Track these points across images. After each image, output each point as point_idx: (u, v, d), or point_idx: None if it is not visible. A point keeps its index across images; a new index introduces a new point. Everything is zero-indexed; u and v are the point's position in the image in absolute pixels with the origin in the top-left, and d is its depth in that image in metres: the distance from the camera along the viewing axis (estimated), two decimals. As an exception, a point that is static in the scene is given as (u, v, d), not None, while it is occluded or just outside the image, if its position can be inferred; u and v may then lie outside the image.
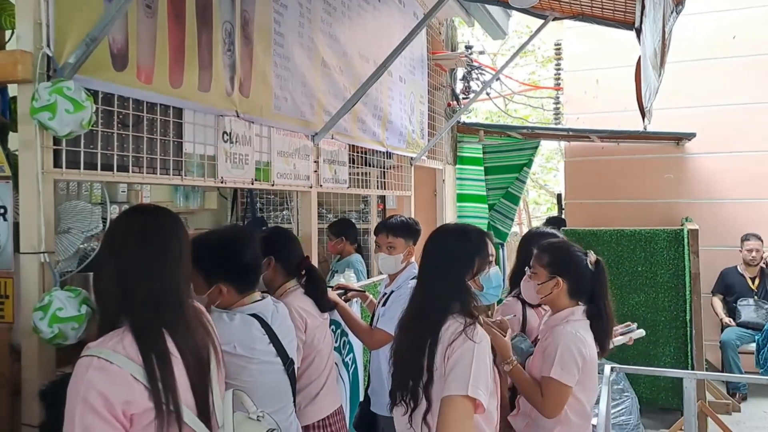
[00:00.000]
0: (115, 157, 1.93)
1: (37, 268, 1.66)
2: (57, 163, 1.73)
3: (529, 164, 5.83)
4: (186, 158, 2.24)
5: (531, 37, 4.47)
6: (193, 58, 2.24)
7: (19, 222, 1.68)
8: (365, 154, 3.71)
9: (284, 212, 5.91)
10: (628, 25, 4.00)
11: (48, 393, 1.63)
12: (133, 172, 2.00)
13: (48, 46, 1.69)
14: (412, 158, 4.47)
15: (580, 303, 2.10)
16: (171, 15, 2.13)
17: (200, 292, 1.77)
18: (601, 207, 5.97)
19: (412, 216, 4.23)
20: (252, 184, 2.60)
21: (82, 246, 2.10)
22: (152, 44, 2.06)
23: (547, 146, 10.77)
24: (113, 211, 2.31)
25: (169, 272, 1.33)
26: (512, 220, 5.98)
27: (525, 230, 12.15)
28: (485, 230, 1.88)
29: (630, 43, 4.14)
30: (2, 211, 1.70)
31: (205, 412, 1.30)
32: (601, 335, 2.08)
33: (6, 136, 1.72)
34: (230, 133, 2.46)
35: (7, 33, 1.85)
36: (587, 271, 2.08)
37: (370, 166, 3.82)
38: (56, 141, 1.71)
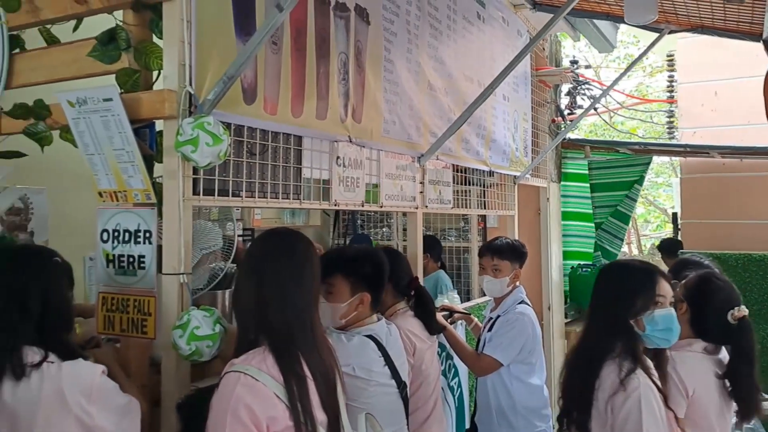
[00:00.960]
0: (244, 183, 2.08)
1: (177, 288, 1.82)
2: (195, 191, 1.89)
3: (640, 181, 5.58)
4: (304, 183, 2.37)
5: (644, 53, 4.32)
6: (312, 88, 2.37)
7: (162, 245, 1.84)
8: (465, 172, 3.73)
9: (384, 229, 6.04)
10: (754, 36, 3.78)
11: (184, 406, 1.78)
12: (259, 197, 2.14)
13: (190, 84, 1.85)
14: (515, 177, 4.44)
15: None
16: (294, 50, 2.27)
17: (338, 300, 1.87)
18: (723, 228, 5.55)
19: (516, 235, 4.19)
20: (362, 206, 2.70)
21: (211, 265, 2.27)
22: (277, 78, 2.20)
23: (657, 159, 10.28)
24: (230, 228, 2.47)
25: (303, 294, 1.43)
26: (622, 240, 5.74)
27: (634, 250, 11.54)
28: (659, 270, 1.80)
29: (753, 53, 3.91)
30: (148, 235, 1.87)
31: (334, 428, 1.37)
32: (742, 406, 1.96)
33: (152, 166, 1.89)
34: (343, 158, 2.57)
35: (153, 73, 2.04)
36: (721, 317, 1.98)
37: (470, 184, 3.83)
38: (195, 170, 1.87)
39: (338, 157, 2.54)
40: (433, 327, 2.34)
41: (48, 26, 2.15)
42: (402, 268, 2.36)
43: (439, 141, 3.14)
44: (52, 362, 1.44)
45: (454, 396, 3.01)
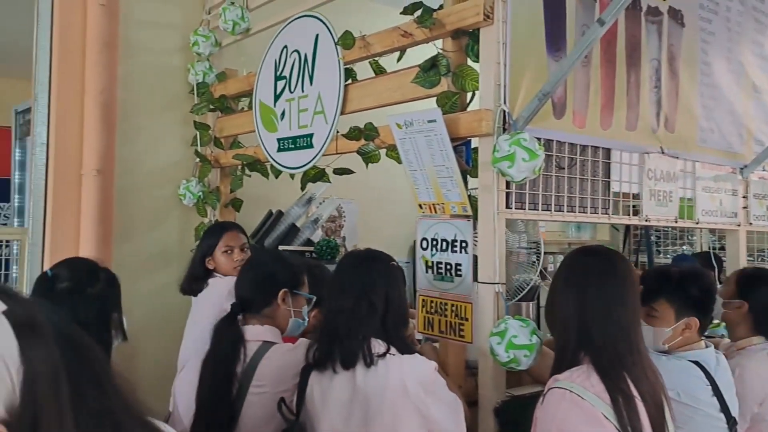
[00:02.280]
0: (553, 197, 2.09)
1: (492, 297, 1.90)
2: (507, 204, 1.95)
3: None
4: (612, 197, 2.28)
5: None
6: (622, 99, 2.28)
7: (478, 255, 1.94)
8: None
9: (684, 247, 5.48)
10: None
11: (501, 411, 1.84)
12: (567, 211, 2.13)
13: (504, 103, 1.93)
14: None
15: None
16: (603, 61, 2.21)
17: (661, 324, 1.78)
18: None
19: None
20: (676, 222, 2.50)
21: (515, 276, 2.32)
22: (586, 91, 2.17)
23: None
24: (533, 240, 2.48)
25: (628, 313, 1.38)
26: None
27: None
28: None
29: None
30: (464, 244, 1.99)
31: None
32: None
33: (466, 181, 2.01)
34: (654, 170, 2.41)
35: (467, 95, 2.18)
36: None
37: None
38: (507, 184, 1.94)
39: (649, 170, 2.39)
40: None
41: (376, 58, 2.44)
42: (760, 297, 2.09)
43: (767, 150, 2.76)
44: (394, 354, 1.62)
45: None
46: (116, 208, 3.10)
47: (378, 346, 1.63)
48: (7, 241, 3.59)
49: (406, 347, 1.66)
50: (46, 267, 2.17)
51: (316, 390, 1.70)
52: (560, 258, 5.14)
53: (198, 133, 3.26)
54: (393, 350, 1.62)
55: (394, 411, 1.56)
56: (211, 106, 3.26)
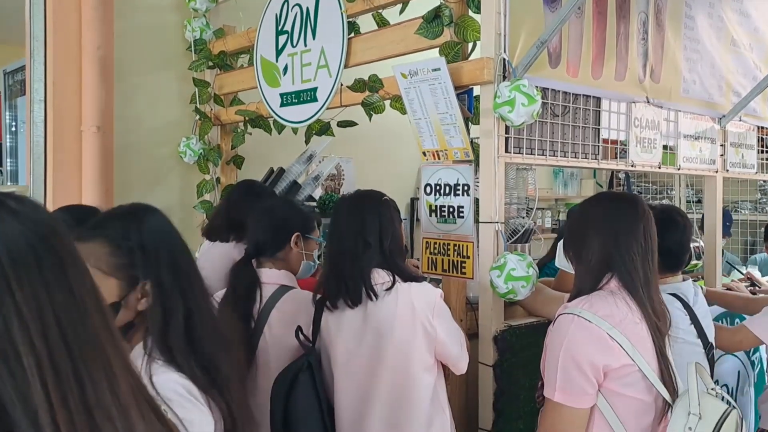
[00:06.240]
0: (548, 143, 2.21)
1: (492, 235, 2.03)
2: (506, 149, 2.08)
3: None
4: (601, 144, 2.42)
5: None
6: (612, 50, 2.40)
7: (479, 198, 2.07)
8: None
9: (663, 201, 5.69)
10: None
11: (500, 339, 1.99)
12: (560, 156, 2.26)
13: (504, 51, 2.03)
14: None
15: None
16: (595, 13, 2.33)
17: None
18: None
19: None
20: (659, 168, 2.65)
21: (510, 220, 2.46)
22: (579, 41, 2.28)
23: None
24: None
25: (645, 244, 1.51)
26: None
27: None
28: None
29: None
30: (466, 188, 2.11)
31: (667, 377, 1.44)
32: None
33: (468, 128, 2.13)
34: (640, 119, 2.55)
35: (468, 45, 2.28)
36: None
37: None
38: (506, 130, 2.06)
39: (635, 118, 2.53)
40: None
41: (379, 11, 2.52)
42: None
43: (743, 101, 2.92)
44: (400, 283, 1.75)
45: (754, 371, 2.80)
46: (116, 167, 3.15)
47: (382, 277, 1.76)
48: (7, 201, 3.61)
49: (411, 276, 1.79)
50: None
51: (330, 320, 1.83)
52: (548, 213, 5.26)
53: (197, 90, 3.32)
54: (398, 279, 1.75)
55: (404, 332, 1.70)
56: (210, 63, 3.31)
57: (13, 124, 4.69)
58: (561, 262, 1.89)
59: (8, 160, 4.77)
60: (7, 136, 4.79)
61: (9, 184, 4.74)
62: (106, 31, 3.10)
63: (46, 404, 0.59)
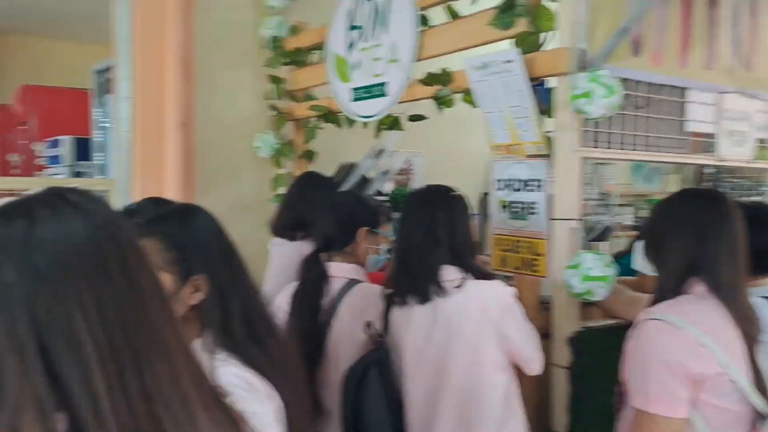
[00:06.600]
0: (628, 136, 2.11)
1: (567, 233, 1.96)
2: (583, 143, 1.99)
3: None
4: (688, 136, 2.29)
5: None
6: (701, 38, 2.26)
7: (555, 193, 2.00)
8: None
9: (754, 199, 5.34)
10: None
11: (575, 341, 1.92)
12: (640, 150, 2.15)
13: (582, 41, 1.95)
14: None
15: None
16: (682, -1, 2.20)
17: None
18: None
19: None
20: (749, 163, 2.48)
21: (591, 218, 2.37)
22: (664, 29, 2.16)
23: None
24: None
25: (733, 246, 1.41)
26: None
27: None
28: None
29: None
30: (540, 183, 2.05)
31: (760, 386, 1.34)
32: None
33: (542, 121, 2.06)
34: (731, 110, 2.39)
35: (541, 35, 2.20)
36: None
37: None
38: (584, 123, 1.97)
39: (725, 110, 2.37)
40: None
41: (450, 3, 2.48)
42: None
43: None
44: (472, 280, 1.72)
45: None
46: (196, 161, 3.26)
47: (452, 273, 1.73)
48: (95, 194, 3.81)
49: (482, 273, 1.75)
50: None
51: (399, 316, 1.82)
52: (628, 209, 5.04)
53: (274, 86, 3.38)
54: (469, 277, 1.72)
55: (474, 330, 1.67)
56: (284, 60, 3.36)
57: (103, 120, 4.95)
58: (638, 264, 1.80)
59: (99, 154, 5.05)
60: (98, 131, 5.06)
61: (98, 177, 5.02)
62: (188, 29, 3.21)
63: (106, 391, 0.61)
